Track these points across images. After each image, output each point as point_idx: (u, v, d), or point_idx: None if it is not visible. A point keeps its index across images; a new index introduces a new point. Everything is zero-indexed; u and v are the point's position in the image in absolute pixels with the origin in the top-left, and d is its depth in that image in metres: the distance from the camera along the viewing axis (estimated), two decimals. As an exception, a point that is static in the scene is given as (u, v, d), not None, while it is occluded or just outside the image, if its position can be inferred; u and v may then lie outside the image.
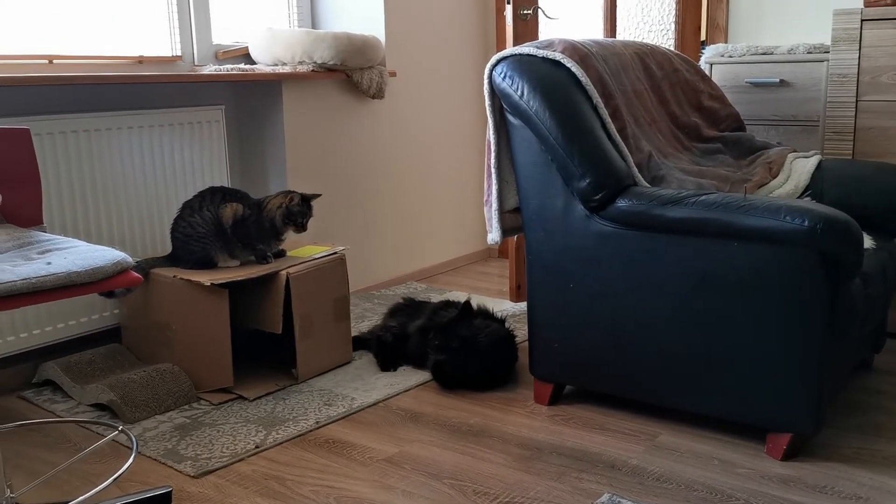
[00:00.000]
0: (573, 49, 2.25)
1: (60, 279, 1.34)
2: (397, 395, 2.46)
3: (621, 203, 2.07)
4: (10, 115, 2.45)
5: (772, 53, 3.04)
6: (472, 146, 4.04)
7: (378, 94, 3.36)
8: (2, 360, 2.48)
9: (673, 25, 3.73)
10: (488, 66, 2.25)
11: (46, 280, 1.33)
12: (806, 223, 1.80)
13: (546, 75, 2.17)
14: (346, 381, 2.56)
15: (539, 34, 3.15)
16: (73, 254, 1.44)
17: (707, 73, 3.09)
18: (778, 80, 3.02)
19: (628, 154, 2.18)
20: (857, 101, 2.75)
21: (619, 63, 2.41)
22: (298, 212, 2.53)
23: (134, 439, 1.72)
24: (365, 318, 3.16)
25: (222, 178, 2.98)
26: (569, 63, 2.19)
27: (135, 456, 1.91)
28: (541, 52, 2.21)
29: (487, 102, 2.27)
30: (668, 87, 2.62)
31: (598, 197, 2.09)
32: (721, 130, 2.73)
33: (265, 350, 2.74)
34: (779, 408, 1.95)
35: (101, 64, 2.81)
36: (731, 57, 3.11)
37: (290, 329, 2.50)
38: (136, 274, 1.44)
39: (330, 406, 2.37)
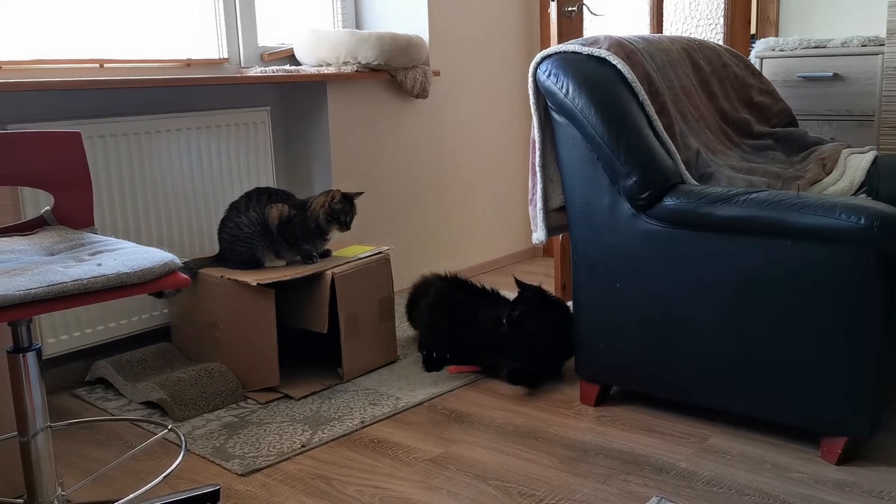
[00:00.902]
0: (619, 46, 2.22)
1: (111, 280, 1.36)
2: (442, 394, 2.46)
3: (669, 201, 2.03)
4: (63, 119, 2.51)
5: (825, 47, 2.97)
6: (516, 145, 4.02)
7: (422, 93, 3.36)
8: (56, 359, 2.53)
9: (721, 20, 3.66)
10: (533, 63, 2.23)
11: (97, 281, 1.35)
12: (862, 221, 1.75)
13: (591, 73, 2.14)
14: (391, 380, 2.57)
15: (584, 31, 3.12)
16: (123, 255, 1.46)
17: (757, 67, 3.03)
18: (831, 73, 2.95)
19: (675, 151, 2.14)
20: (914, 94, 2.68)
21: (666, 59, 2.38)
22: (340, 210, 2.54)
23: (183, 438, 1.75)
24: (410, 318, 3.16)
25: (268, 179, 3.01)
26: (614, 60, 2.16)
27: (184, 454, 1.93)
28: (586, 50, 2.19)
29: (532, 100, 2.25)
30: (717, 83, 2.57)
31: (644, 195, 2.06)
32: (772, 126, 2.67)
33: (311, 349, 2.76)
34: (833, 411, 1.90)
35: (150, 67, 2.85)
36: (782, 51, 3.05)
37: (335, 329, 2.51)
38: (184, 275, 1.46)
39: (375, 406, 2.37)
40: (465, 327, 2.60)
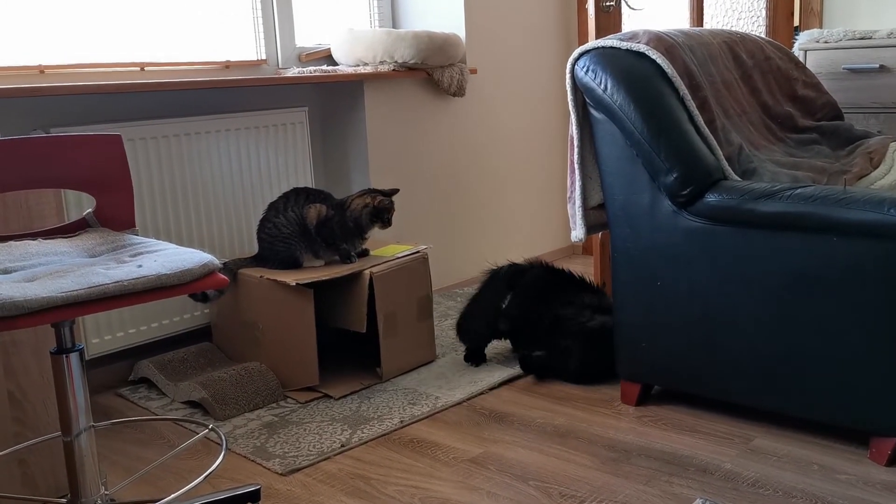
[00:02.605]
0: (658, 40, 2.18)
1: (151, 282, 1.37)
2: (481, 393, 2.45)
3: (711, 198, 2.00)
4: (104, 122, 2.54)
5: (870, 38, 2.89)
6: (554, 142, 3.99)
7: (459, 91, 3.35)
8: (100, 359, 2.57)
9: (764, 11, 3.59)
10: (570, 59, 2.21)
11: (137, 283, 1.36)
12: (912, 216, 1.70)
13: (630, 68, 2.11)
14: (429, 379, 2.56)
15: (622, 26, 3.09)
16: (163, 256, 1.47)
17: (801, 60, 2.96)
18: (878, 65, 2.88)
19: (717, 147, 2.10)
20: (965, 85, 2.60)
21: (706, 53, 2.33)
22: (384, 208, 2.55)
23: (224, 437, 1.76)
24: (448, 317, 3.15)
25: (306, 179, 3.02)
26: (653, 55, 2.13)
27: (224, 454, 1.95)
28: (624, 45, 2.16)
29: (570, 97, 2.22)
30: (760, 77, 2.52)
31: (686, 192, 2.02)
32: (817, 120, 2.61)
33: (350, 349, 2.77)
34: (883, 411, 1.85)
35: (189, 70, 2.88)
36: (826, 42, 2.98)
37: (374, 328, 2.51)
38: (223, 275, 1.47)
39: (414, 405, 2.37)
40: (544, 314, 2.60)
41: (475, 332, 2.70)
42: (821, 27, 3.47)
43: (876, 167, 2.34)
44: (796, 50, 3.06)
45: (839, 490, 1.81)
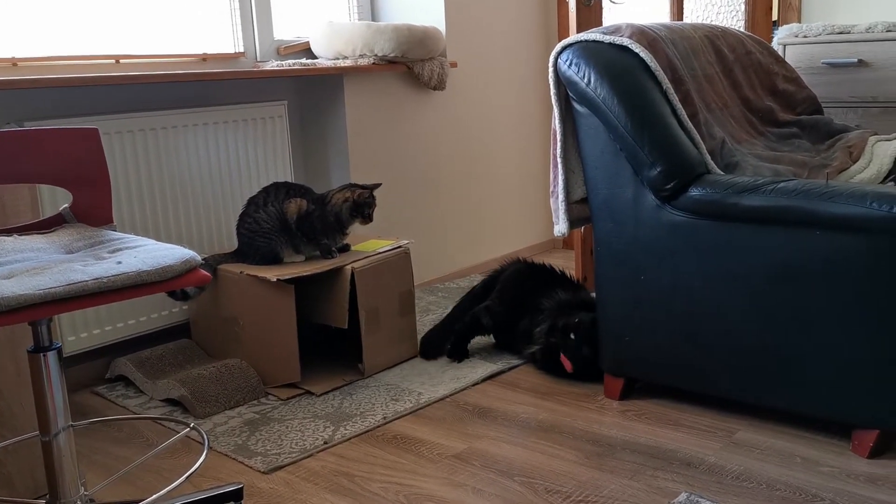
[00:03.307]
0: (641, 34, 2.18)
1: (131, 278, 1.34)
2: (464, 389, 2.43)
3: (694, 192, 2.00)
4: (79, 115, 2.49)
5: (849, 32, 2.91)
6: (535, 136, 3.98)
7: (439, 85, 3.33)
8: (76, 357, 2.53)
9: (743, 6, 3.60)
10: (553, 53, 2.20)
11: (117, 279, 1.33)
12: (894, 210, 1.71)
13: (613, 61, 2.11)
14: (412, 375, 2.54)
15: (603, 20, 3.08)
16: (143, 252, 1.44)
17: (780, 54, 2.98)
18: (856, 59, 2.89)
19: (700, 141, 2.10)
20: (942, 79, 2.62)
21: (688, 47, 2.33)
22: (365, 203, 2.53)
23: (205, 437, 1.73)
24: (430, 312, 3.14)
25: (286, 173, 2.99)
26: (637, 48, 2.12)
27: (206, 453, 1.92)
28: (607, 38, 2.15)
29: (553, 90, 2.22)
30: (741, 71, 2.53)
31: (669, 186, 2.02)
32: (797, 114, 2.62)
33: (331, 345, 2.74)
34: (865, 403, 1.86)
35: (166, 62, 2.84)
36: (805, 37, 2.99)
37: (355, 324, 2.49)
38: (205, 272, 1.44)
39: (397, 401, 2.35)
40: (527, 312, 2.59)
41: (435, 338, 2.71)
42: (799, 22, 3.49)
43: (855, 161, 2.35)
44: (775, 44, 3.07)
45: (822, 482, 1.82)
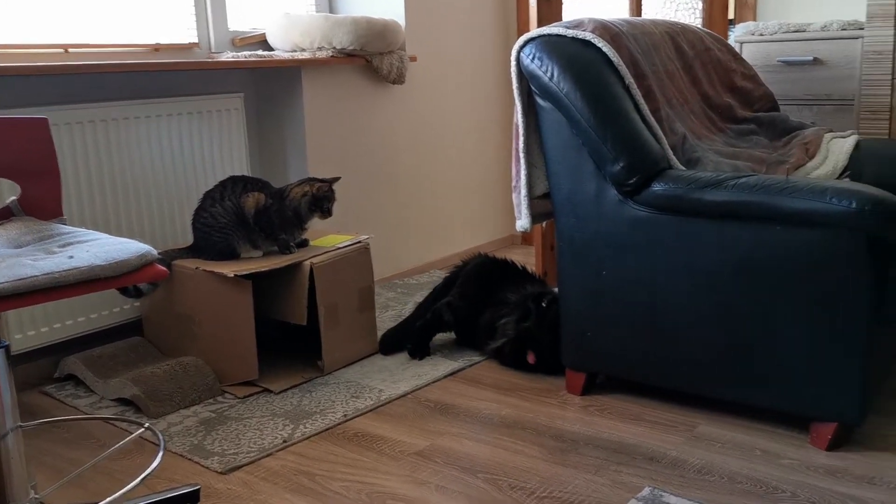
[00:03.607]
0: (603, 28, 2.17)
1: (84, 273, 1.29)
2: (425, 385, 2.41)
3: (657, 187, 2.00)
4: (27, 105, 2.41)
5: (804, 31, 2.95)
6: (494, 131, 3.97)
7: (398, 79, 3.30)
8: (24, 355, 2.44)
9: (700, 3, 3.63)
10: (516, 47, 2.18)
11: (69, 274, 1.28)
12: (854, 205, 1.73)
13: (576, 56, 2.10)
14: (372, 372, 2.51)
15: (563, 15, 3.08)
16: (96, 247, 1.39)
17: (738, 52, 3.00)
18: (811, 58, 2.94)
19: (662, 136, 2.11)
20: (893, 78, 2.67)
21: (650, 42, 2.34)
22: (324, 197, 2.48)
23: (161, 437, 1.68)
24: (389, 308, 3.11)
25: (242, 167, 2.93)
26: (599, 43, 2.12)
27: (162, 454, 1.87)
28: (570, 32, 2.14)
29: (515, 85, 2.20)
30: (700, 67, 2.54)
31: (632, 181, 2.02)
32: (755, 111, 2.65)
33: (289, 342, 2.69)
34: (824, 396, 1.89)
35: (117, 52, 2.76)
36: (762, 35, 3.03)
37: (314, 320, 2.44)
38: (162, 267, 1.39)
39: (357, 398, 2.32)
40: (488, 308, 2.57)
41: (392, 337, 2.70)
42: (755, 20, 3.53)
43: (811, 157, 2.38)
44: (732, 42, 3.11)
45: (782, 475, 1.83)
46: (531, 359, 2.40)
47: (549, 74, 2.09)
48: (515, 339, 2.43)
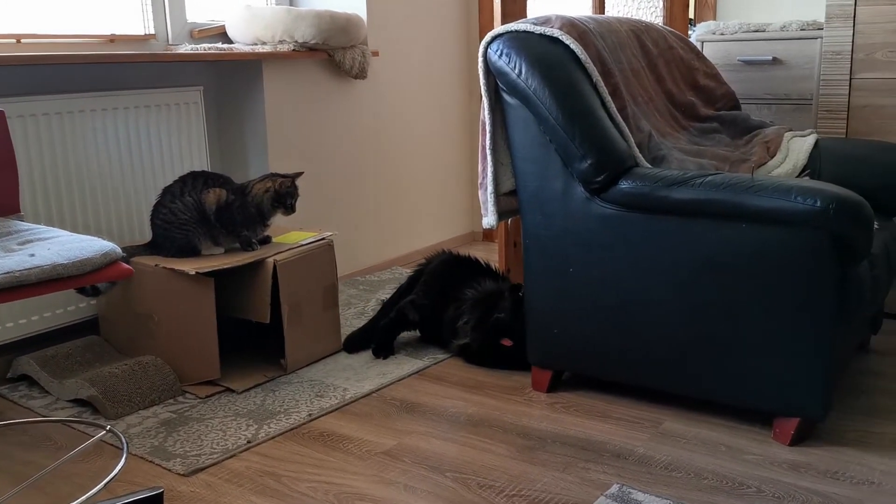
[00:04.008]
0: (571, 25, 2.17)
1: (45, 272, 1.24)
2: (391, 384, 2.39)
3: (624, 185, 2.00)
4: (-22, 97, 2.33)
5: (764, 31, 2.99)
6: (457, 127, 3.96)
7: (360, 74, 3.26)
8: (-26, 356, 2.36)
9: (661, 2, 3.66)
10: (483, 43, 2.17)
11: (31, 273, 1.23)
12: (818, 204, 1.75)
13: (544, 53, 2.09)
14: (336, 370, 2.48)
15: (528, 11, 3.07)
16: (57, 244, 1.34)
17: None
18: (771, 57, 2.98)
19: (629, 134, 2.11)
20: (850, 78, 2.72)
21: (616, 40, 2.35)
22: (287, 193, 2.45)
23: (124, 440, 1.63)
24: (351, 305, 3.08)
25: (202, 162, 2.87)
26: (567, 40, 2.11)
27: (126, 457, 1.81)
28: (538, 29, 2.13)
29: (482, 81, 2.19)
30: (664, 65, 2.56)
31: (599, 179, 2.02)
32: (717, 109, 2.67)
33: (250, 340, 2.65)
34: (787, 392, 1.91)
35: (70, 43, 2.68)
36: (722, 34, 3.06)
37: (277, 318, 2.41)
38: (127, 266, 1.35)
39: (322, 397, 2.29)
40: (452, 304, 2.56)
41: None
42: (715, 19, 3.57)
43: (773, 156, 2.41)
44: (694, 41, 3.13)
45: (747, 470, 1.85)
46: (507, 342, 2.39)
47: (516, 71, 2.08)
48: (489, 330, 2.42)
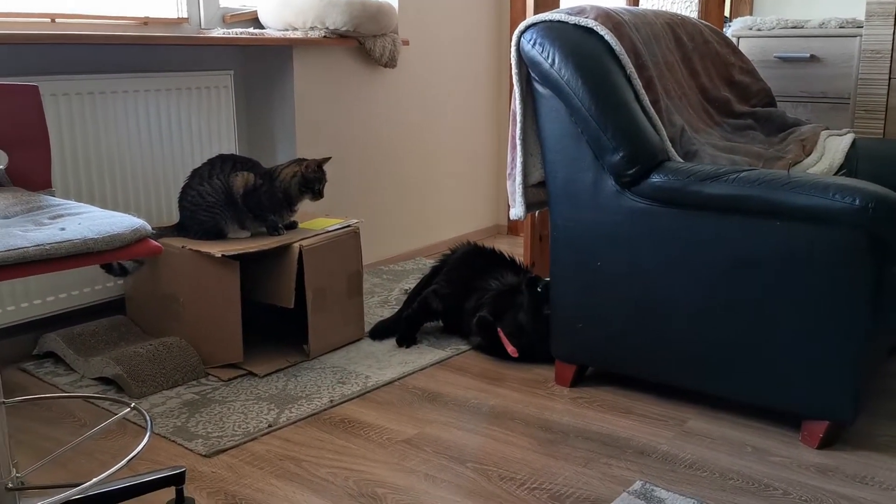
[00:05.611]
0: (606, 16, 2.14)
1: (76, 246, 1.24)
2: (413, 373, 2.38)
3: (656, 178, 1.98)
4: (12, 75, 2.34)
5: (802, 27, 2.94)
6: (485, 118, 3.93)
7: (391, 62, 3.25)
8: (2, 331, 2.38)
9: (697, -3, 3.62)
10: (516, 32, 2.15)
11: (61, 247, 1.23)
12: (857, 202, 1.72)
13: (578, 43, 2.07)
14: (358, 358, 2.48)
15: (562, 2, 3.04)
16: (88, 219, 1.34)
17: (734, 46, 2.99)
18: (808, 55, 2.93)
19: (662, 128, 2.08)
20: (890, 78, 2.66)
21: (650, 33, 2.31)
22: (315, 178, 2.44)
23: (148, 418, 1.63)
24: (375, 294, 3.07)
25: (230, 145, 2.87)
26: (602, 31, 2.09)
27: (149, 435, 1.82)
28: (573, 19, 2.11)
29: (514, 70, 2.17)
30: (699, 60, 2.52)
31: (631, 172, 2.00)
32: (752, 106, 2.63)
33: (275, 325, 2.65)
34: (817, 394, 1.88)
35: (104, 24, 2.69)
36: (759, 30, 3.01)
37: (301, 304, 2.40)
38: (156, 243, 1.35)
39: (344, 384, 2.28)
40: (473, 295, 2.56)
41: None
42: (751, 15, 3.52)
43: (808, 154, 2.37)
44: (729, 36, 3.09)
45: (774, 472, 1.82)
46: (513, 352, 2.40)
47: (549, 61, 2.06)
48: (477, 329, 2.46)
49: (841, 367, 1.83)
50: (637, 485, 1.76)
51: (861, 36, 2.78)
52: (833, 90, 2.91)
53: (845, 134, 2.47)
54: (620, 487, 1.76)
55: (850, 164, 2.37)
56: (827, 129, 2.53)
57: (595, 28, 2.09)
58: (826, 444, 1.92)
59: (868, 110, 2.70)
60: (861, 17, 2.93)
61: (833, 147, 2.39)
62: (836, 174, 2.33)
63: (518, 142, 2.22)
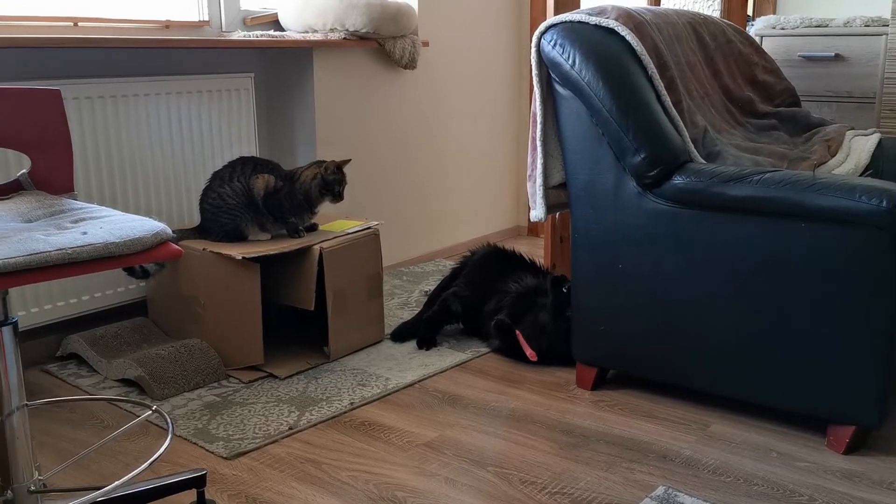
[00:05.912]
0: (627, 17, 2.13)
1: (98, 250, 1.25)
2: (433, 375, 2.37)
3: (678, 180, 1.96)
4: (34, 79, 2.36)
5: (827, 26, 2.91)
6: (505, 120, 3.92)
7: (410, 64, 3.25)
8: (26, 333, 2.40)
9: (719, -4, 3.58)
10: (537, 33, 2.13)
11: (83, 251, 1.23)
12: (884, 204, 1.69)
13: (599, 44, 2.05)
14: (378, 360, 2.47)
15: (582, 2, 3.02)
16: (109, 223, 1.35)
17: (757, 46, 2.96)
18: (833, 54, 2.89)
19: (684, 129, 2.06)
20: (916, 77, 2.62)
21: (672, 33, 2.29)
22: (334, 180, 2.44)
23: (170, 421, 1.64)
24: (395, 296, 3.07)
25: (251, 148, 2.88)
26: (623, 31, 2.07)
27: (171, 438, 1.82)
28: (593, 20, 2.09)
29: (535, 71, 2.15)
30: (722, 60, 2.50)
31: (653, 173, 1.98)
32: (776, 106, 2.60)
33: (294, 327, 2.65)
34: (842, 399, 1.85)
35: (126, 28, 2.70)
36: (783, 29, 2.98)
37: (322, 306, 2.40)
38: (177, 246, 1.35)
39: (364, 386, 2.28)
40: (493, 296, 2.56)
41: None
42: (774, 14, 3.48)
43: (833, 155, 2.34)
44: (752, 35, 3.06)
45: (799, 478, 1.80)
46: (532, 356, 2.39)
47: (570, 62, 2.04)
48: (496, 332, 2.45)
49: (866, 371, 1.80)
50: (660, 490, 1.74)
51: (887, 35, 2.74)
52: (859, 89, 2.88)
53: (871, 134, 2.44)
54: (643, 493, 1.74)
55: (876, 165, 2.33)
56: (852, 129, 2.50)
57: (616, 28, 2.07)
58: (852, 449, 1.89)
59: (894, 110, 2.66)
60: (887, 15, 2.89)
61: (859, 147, 2.36)
62: (861, 175, 2.30)
63: (538, 143, 2.21)
